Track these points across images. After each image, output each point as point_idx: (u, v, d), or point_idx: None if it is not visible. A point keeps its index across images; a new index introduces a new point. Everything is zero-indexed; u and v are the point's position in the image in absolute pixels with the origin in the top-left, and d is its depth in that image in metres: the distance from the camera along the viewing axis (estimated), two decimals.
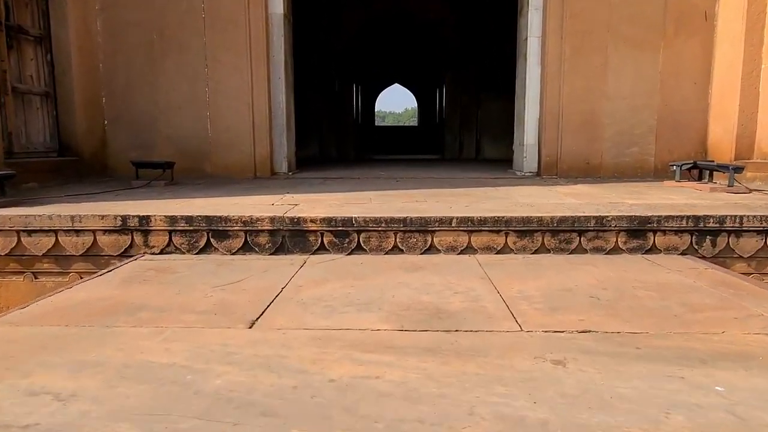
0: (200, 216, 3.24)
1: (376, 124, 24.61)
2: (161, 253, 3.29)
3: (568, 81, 5.74)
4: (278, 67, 5.93)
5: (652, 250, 3.27)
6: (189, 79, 5.75)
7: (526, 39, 5.98)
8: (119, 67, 5.76)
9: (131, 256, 3.31)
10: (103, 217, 3.26)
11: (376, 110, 27.75)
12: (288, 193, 4.47)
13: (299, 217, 3.25)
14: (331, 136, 11.76)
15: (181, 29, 5.69)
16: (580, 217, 3.22)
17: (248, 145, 5.82)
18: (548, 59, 5.75)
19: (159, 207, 3.53)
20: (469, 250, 3.27)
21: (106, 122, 5.84)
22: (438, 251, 3.26)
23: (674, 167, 5.11)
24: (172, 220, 3.25)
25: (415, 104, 22.70)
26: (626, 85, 5.75)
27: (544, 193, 4.36)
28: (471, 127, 11.76)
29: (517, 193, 4.34)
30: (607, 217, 3.23)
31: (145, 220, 3.25)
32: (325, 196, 4.22)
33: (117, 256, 3.33)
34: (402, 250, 3.27)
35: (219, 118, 5.79)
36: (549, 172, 5.90)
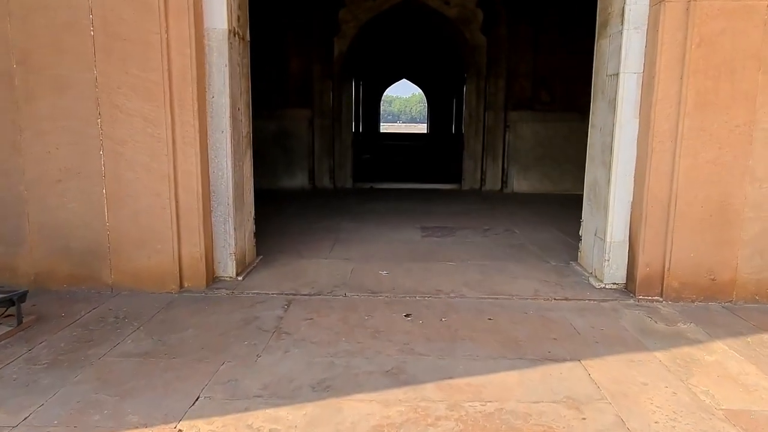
0: None
1: (382, 109, 22.31)
2: None
3: (689, 148, 3.51)
4: (220, 115, 3.73)
5: None
6: (73, 136, 3.56)
7: (617, 75, 3.74)
8: None
9: None
10: None
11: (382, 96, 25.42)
12: (198, 400, 2.31)
13: None
14: (324, 163, 9.54)
15: (59, 55, 3.49)
16: None
17: (168, 241, 3.65)
18: (656, 111, 3.51)
19: None
20: None
21: None
22: None
23: None
24: None
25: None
26: None
27: None
28: (497, 153, 9.52)
29: None
30: None
31: None
32: None
33: None
34: None
35: (122, 199, 3.61)
36: (648, 289, 3.69)
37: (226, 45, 3.65)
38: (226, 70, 3.68)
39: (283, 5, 9.03)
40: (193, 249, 3.69)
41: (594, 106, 4.18)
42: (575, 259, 4.64)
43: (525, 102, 9.24)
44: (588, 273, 4.19)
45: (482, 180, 9.64)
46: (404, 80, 21.47)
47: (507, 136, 9.33)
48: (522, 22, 8.98)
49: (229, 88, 3.72)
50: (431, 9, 9.22)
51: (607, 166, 3.87)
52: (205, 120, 3.68)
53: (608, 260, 3.88)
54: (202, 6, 3.58)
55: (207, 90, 3.68)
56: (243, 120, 4.03)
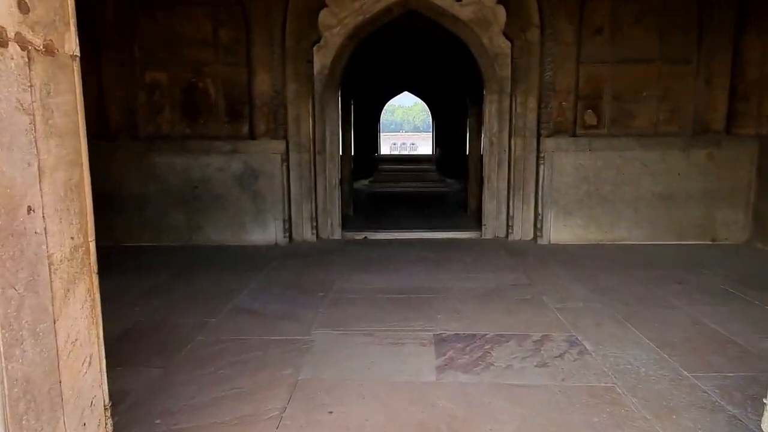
0: None
1: (383, 118, 19.85)
2: None
3: None
4: None
5: None
6: None
7: None
8: None
9: None
10: None
11: (384, 120, 23.13)
12: None
13: None
14: (304, 209, 7.38)
15: None
16: None
17: None
18: None
19: None
20: None
21: None
22: None
23: None
24: None
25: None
26: None
27: None
28: (528, 192, 7.34)
29: None
30: None
31: None
32: None
33: None
34: None
35: None
36: None
37: None
38: None
39: (244, 4, 6.92)
40: None
41: None
42: None
43: (564, 126, 7.07)
44: None
45: (509, 225, 7.45)
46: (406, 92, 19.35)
47: (541, 170, 7.13)
48: (561, 21, 6.82)
49: None
50: (439, 9, 7.09)
51: None
52: None
53: None
54: None
55: None
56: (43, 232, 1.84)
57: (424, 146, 39.81)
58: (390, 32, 7.71)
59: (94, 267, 2.10)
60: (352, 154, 9.66)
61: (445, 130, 16.82)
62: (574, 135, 7.05)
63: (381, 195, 12.21)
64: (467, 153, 9.35)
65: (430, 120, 19.51)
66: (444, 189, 13.13)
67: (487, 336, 3.91)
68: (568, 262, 6.15)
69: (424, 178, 13.61)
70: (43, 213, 1.80)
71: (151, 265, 6.13)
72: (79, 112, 2.00)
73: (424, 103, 17.92)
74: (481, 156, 8.61)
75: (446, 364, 3.45)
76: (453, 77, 11.92)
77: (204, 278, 5.55)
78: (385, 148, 27.46)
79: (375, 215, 9.36)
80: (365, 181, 14.12)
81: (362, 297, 4.87)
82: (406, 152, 34.03)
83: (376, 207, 10.46)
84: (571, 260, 6.22)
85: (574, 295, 4.89)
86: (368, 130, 16.76)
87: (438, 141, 16.91)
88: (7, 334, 1.63)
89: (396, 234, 7.69)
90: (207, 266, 6.05)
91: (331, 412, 2.87)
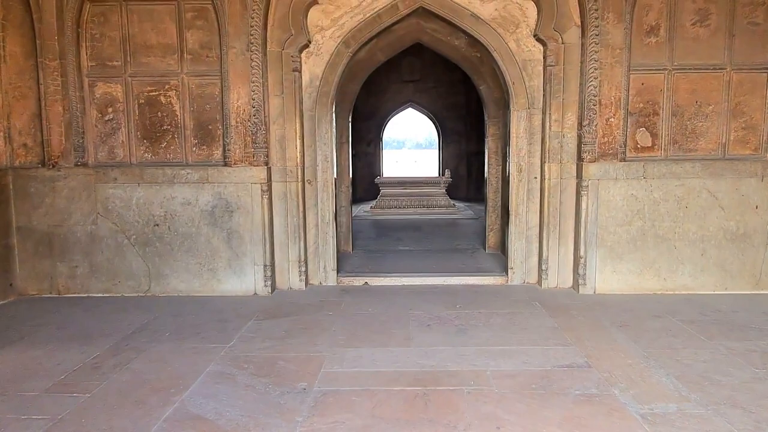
0: None
1: (386, 135, 18.20)
2: None
3: None
4: None
5: None
6: None
7: None
8: None
9: None
10: None
11: (387, 138, 21.68)
12: None
13: None
14: (290, 250, 6.01)
15: None
16: None
17: None
18: None
19: None
20: None
21: None
22: None
23: None
24: None
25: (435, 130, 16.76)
26: None
27: None
28: (566, 229, 5.96)
29: None
30: None
31: None
32: None
33: None
34: None
35: None
36: None
37: None
38: None
39: (215, 1, 5.63)
40: None
41: None
42: None
43: (611, 148, 5.71)
44: None
45: (541, 270, 6.04)
46: (409, 109, 18.05)
47: (583, 203, 5.75)
48: (607, 19, 5.50)
49: None
50: (454, 6, 5.81)
51: None
52: None
53: None
54: None
55: None
56: None
57: (426, 162, 38.55)
58: (394, 35, 6.42)
59: None
60: (351, 178, 8.34)
61: (453, 149, 15.52)
62: (623, 159, 5.69)
63: (384, 224, 10.84)
64: (485, 177, 7.99)
65: (435, 137, 18.20)
66: (454, 216, 11.76)
67: None
68: (627, 323, 4.75)
69: (431, 203, 12.25)
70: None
71: (89, 328, 4.75)
72: None
73: (426, 119, 16.63)
74: (503, 183, 7.30)
75: None
76: (466, 90, 10.64)
77: (150, 354, 4.16)
78: (388, 166, 26.03)
79: (377, 251, 7.97)
80: (366, 207, 12.78)
81: (360, 391, 3.47)
82: (409, 169, 32.67)
83: (379, 240, 9.07)
84: (631, 321, 4.82)
85: (657, 388, 3.48)
86: (369, 150, 15.47)
87: (445, 161, 15.58)
88: None
89: (403, 279, 6.29)
90: (161, 331, 4.67)
91: None
